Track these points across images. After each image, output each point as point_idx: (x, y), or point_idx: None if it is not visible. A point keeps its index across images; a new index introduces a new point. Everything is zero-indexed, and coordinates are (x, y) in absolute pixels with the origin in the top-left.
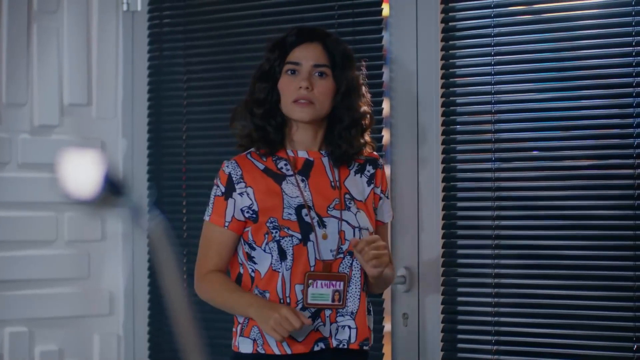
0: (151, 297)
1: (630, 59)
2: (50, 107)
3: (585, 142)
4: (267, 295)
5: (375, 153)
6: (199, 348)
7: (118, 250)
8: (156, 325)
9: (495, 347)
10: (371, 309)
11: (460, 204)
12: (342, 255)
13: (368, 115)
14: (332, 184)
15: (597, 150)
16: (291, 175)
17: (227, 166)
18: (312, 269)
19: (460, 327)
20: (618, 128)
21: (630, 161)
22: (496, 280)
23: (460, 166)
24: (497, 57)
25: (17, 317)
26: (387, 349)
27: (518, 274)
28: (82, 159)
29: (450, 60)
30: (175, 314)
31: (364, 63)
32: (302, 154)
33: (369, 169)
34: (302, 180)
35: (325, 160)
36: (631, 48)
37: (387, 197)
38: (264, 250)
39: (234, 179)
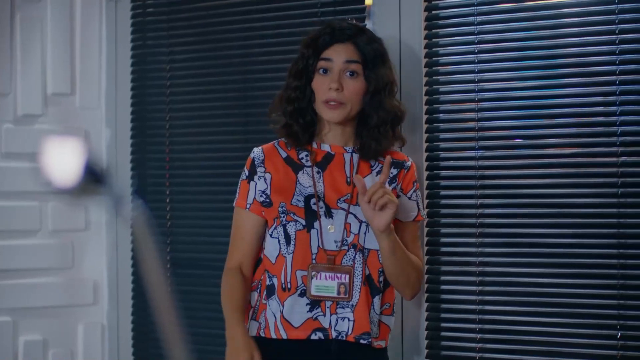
0: (135, 286)
1: (613, 47)
2: (33, 96)
3: (568, 131)
4: (275, 280)
5: (405, 155)
6: (182, 337)
7: (102, 239)
8: (140, 314)
9: (479, 336)
10: (394, 309)
11: (443, 192)
12: (346, 247)
13: (398, 113)
14: (348, 179)
15: (581, 139)
16: (309, 167)
17: (254, 152)
18: (314, 256)
19: (444, 315)
20: (601, 116)
21: (614, 149)
22: (480, 269)
23: (443, 155)
24: (480, 46)
25: (0, 306)
26: None
27: (502, 262)
28: (63, 148)
29: (434, 49)
30: (157, 303)
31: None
32: (325, 147)
33: (393, 171)
34: (318, 172)
35: (347, 156)
36: (614, 36)
37: (410, 198)
38: (271, 235)
39: (256, 163)
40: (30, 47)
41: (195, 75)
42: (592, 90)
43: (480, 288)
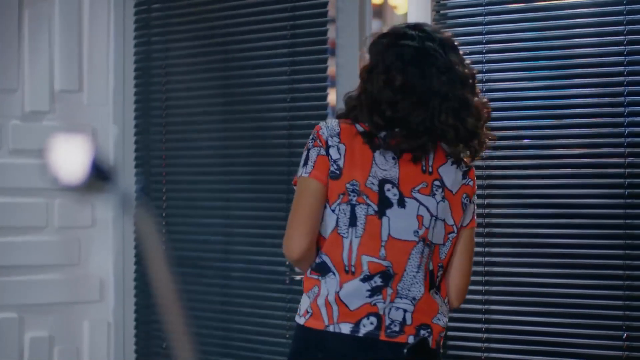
0: (139, 283)
1: (621, 47)
2: (41, 93)
3: (576, 132)
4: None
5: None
6: (186, 335)
7: (108, 236)
8: (143, 312)
9: (485, 335)
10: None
11: None
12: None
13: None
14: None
15: (588, 140)
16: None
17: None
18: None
19: (449, 315)
20: (609, 117)
21: (621, 150)
22: (487, 269)
23: None
24: (489, 46)
25: (7, 303)
26: None
27: (509, 262)
28: (71, 145)
29: None
30: (161, 300)
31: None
32: None
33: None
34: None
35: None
36: (622, 37)
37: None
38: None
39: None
40: (38, 43)
41: (191, 72)
42: (600, 91)
43: (486, 288)
